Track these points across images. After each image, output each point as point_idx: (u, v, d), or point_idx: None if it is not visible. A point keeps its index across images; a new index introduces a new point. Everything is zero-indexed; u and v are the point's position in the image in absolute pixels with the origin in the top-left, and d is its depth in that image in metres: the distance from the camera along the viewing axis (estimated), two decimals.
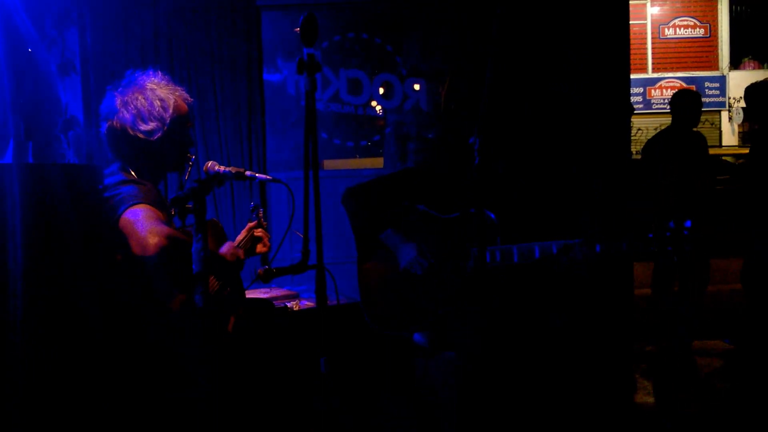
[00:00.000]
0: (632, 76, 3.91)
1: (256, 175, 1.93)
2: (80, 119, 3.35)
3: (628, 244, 2.03)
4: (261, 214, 2.25)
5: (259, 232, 2.23)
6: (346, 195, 2.46)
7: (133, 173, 1.88)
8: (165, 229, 1.68)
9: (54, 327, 1.54)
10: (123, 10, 3.55)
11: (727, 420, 3.00)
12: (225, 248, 1.95)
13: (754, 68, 15.78)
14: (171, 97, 1.90)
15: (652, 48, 15.75)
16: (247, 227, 2.24)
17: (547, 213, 2.54)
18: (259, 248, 2.23)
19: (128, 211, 1.72)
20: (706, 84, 15.69)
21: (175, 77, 2.00)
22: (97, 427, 1.61)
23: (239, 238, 2.23)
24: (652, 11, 15.77)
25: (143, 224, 1.69)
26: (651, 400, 3.22)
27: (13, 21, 2.51)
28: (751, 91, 3.92)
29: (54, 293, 1.54)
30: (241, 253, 1.99)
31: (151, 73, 1.93)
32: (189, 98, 1.99)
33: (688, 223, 1.97)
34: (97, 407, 1.62)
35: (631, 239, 2.02)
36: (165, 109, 1.87)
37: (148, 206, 1.75)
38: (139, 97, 1.86)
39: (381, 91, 4.21)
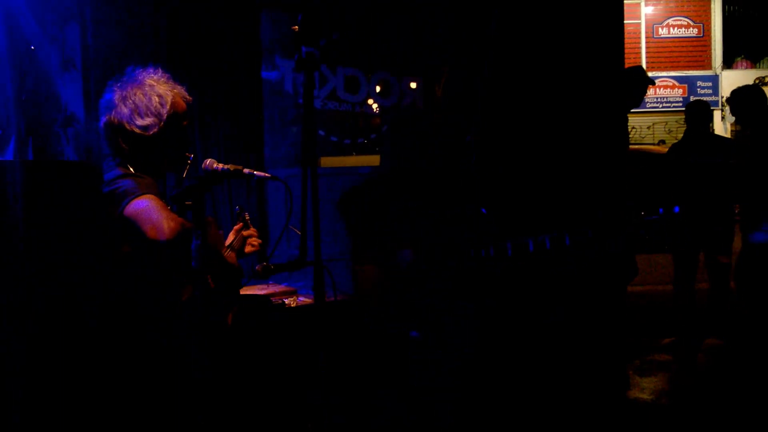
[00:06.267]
0: None
1: (254, 172, 1.93)
2: (80, 116, 3.34)
3: (620, 235, 2.04)
4: (247, 218, 2.29)
5: (246, 232, 2.26)
6: (342, 200, 2.47)
7: (131, 169, 1.89)
8: (178, 217, 1.69)
9: (56, 323, 1.55)
10: (123, 7, 3.55)
11: (701, 411, 3.04)
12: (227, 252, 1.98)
13: (746, 68, 15.87)
14: (169, 94, 1.90)
15: (646, 47, 15.83)
16: (233, 230, 2.27)
17: (543, 208, 2.57)
18: (248, 248, 2.26)
19: (134, 201, 1.72)
20: (699, 83, 15.78)
21: (175, 74, 2.00)
22: (102, 420, 1.62)
23: (230, 238, 2.26)
24: (646, 11, 15.83)
25: (156, 211, 1.69)
26: (644, 396, 3.25)
27: (16, 18, 2.51)
28: (735, 97, 3.98)
29: (56, 289, 1.55)
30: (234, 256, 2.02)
31: (151, 70, 1.93)
32: (188, 97, 1.99)
33: (677, 209, 1.99)
34: (103, 400, 1.63)
35: (624, 229, 2.04)
36: (162, 105, 1.88)
37: (155, 197, 1.76)
38: (138, 93, 1.87)
39: (378, 89, 4.22)
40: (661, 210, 1.99)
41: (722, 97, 15.37)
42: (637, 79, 3.79)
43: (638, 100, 3.78)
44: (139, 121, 1.85)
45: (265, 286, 3.08)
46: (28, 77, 2.69)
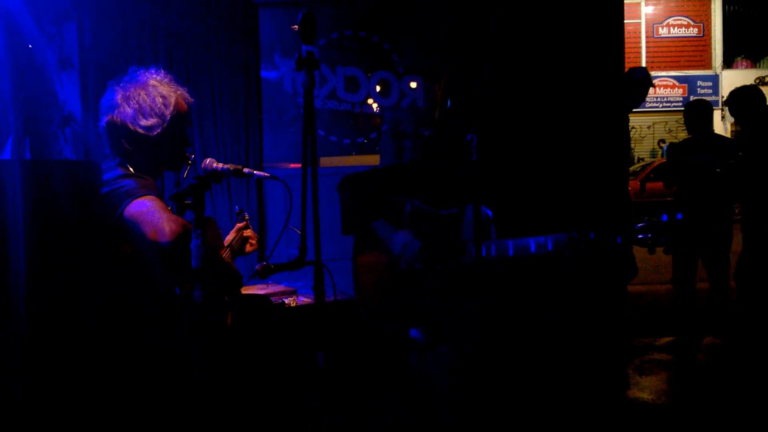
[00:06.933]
0: None
1: (254, 172, 1.93)
2: (77, 115, 3.35)
3: (622, 237, 2.04)
4: (246, 218, 2.30)
5: (247, 233, 2.26)
6: (343, 182, 2.47)
7: (131, 169, 1.89)
8: (179, 219, 1.70)
9: (57, 323, 1.55)
10: (121, 6, 3.55)
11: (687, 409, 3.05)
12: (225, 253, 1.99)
13: (746, 67, 15.89)
14: (173, 95, 1.91)
15: (646, 47, 15.84)
16: (235, 228, 2.28)
17: (543, 208, 2.57)
18: (248, 248, 2.27)
19: (135, 202, 1.72)
20: (699, 83, 15.80)
21: (173, 74, 2.00)
22: (102, 420, 1.62)
23: (229, 238, 2.26)
24: (647, 10, 15.85)
25: (157, 213, 1.69)
26: (644, 395, 3.25)
27: (13, 17, 2.50)
28: (734, 97, 3.98)
29: (56, 289, 1.54)
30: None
31: (153, 70, 1.93)
32: (190, 98, 1.99)
33: (680, 215, 1.99)
34: (103, 400, 1.63)
35: (625, 232, 2.04)
36: (166, 105, 1.88)
37: (155, 198, 1.76)
38: (141, 93, 1.87)
39: (378, 88, 4.22)
40: (664, 216, 1.99)
41: (722, 97, 15.38)
42: (639, 80, 3.79)
43: (639, 100, 3.77)
44: (143, 122, 1.85)
45: (264, 286, 3.07)
46: (26, 76, 2.69)
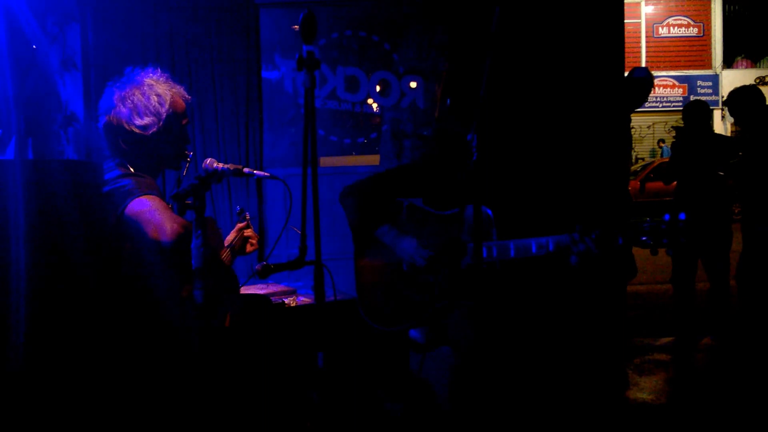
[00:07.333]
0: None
1: (254, 171, 1.94)
2: (80, 116, 3.36)
3: (624, 237, 2.05)
4: (248, 217, 2.30)
5: (248, 233, 2.27)
6: (344, 193, 2.48)
7: (131, 168, 1.90)
8: (179, 218, 1.71)
9: (57, 323, 1.56)
10: (124, 7, 3.56)
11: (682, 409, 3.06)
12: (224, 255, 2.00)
13: (746, 67, 15.89)
14: (168, 93, 1.91)
15: (646, 47, 15.85)
16: (236, 228, 2.28)
17: (544, 209, 2.57)
18: (248, 248, 2.28)
19: (135, 201, 1.74)
20: (699, 83, 15.80)
21: (175, 74, 2.02)
22: (102, 421, 1.63)
23: (230, 237, 2.27)
24: (647, 10, 15.85)
25: (158, 212, 1.71)
26: (643, 395, 3.25)
27: (17, 18, 2.51)
28: (733, 97, 3.98)
29: (57, 288, 1.55)
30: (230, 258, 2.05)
31: (150, 70, 1.94)
32: (187, 96, 2.00)
33: (683, 216, 1.99)
34: (102, 401, 1.63)
35: (627, 232, 2.04)
36: (161, 104, 1.89)
37: (156, 197, 1.77)
38: (137, 93, 1.88)
39: (378, 88, 4.22)
40: (667, 216, 1.99)
41: (722, 97, 15.38)
42: (641, 80, 3.79)
43: (641, 100, 3.77)
44: (138, 121, 1.86)
45: (264, 286, 3.08)
46: (29, 77, 2.70)
